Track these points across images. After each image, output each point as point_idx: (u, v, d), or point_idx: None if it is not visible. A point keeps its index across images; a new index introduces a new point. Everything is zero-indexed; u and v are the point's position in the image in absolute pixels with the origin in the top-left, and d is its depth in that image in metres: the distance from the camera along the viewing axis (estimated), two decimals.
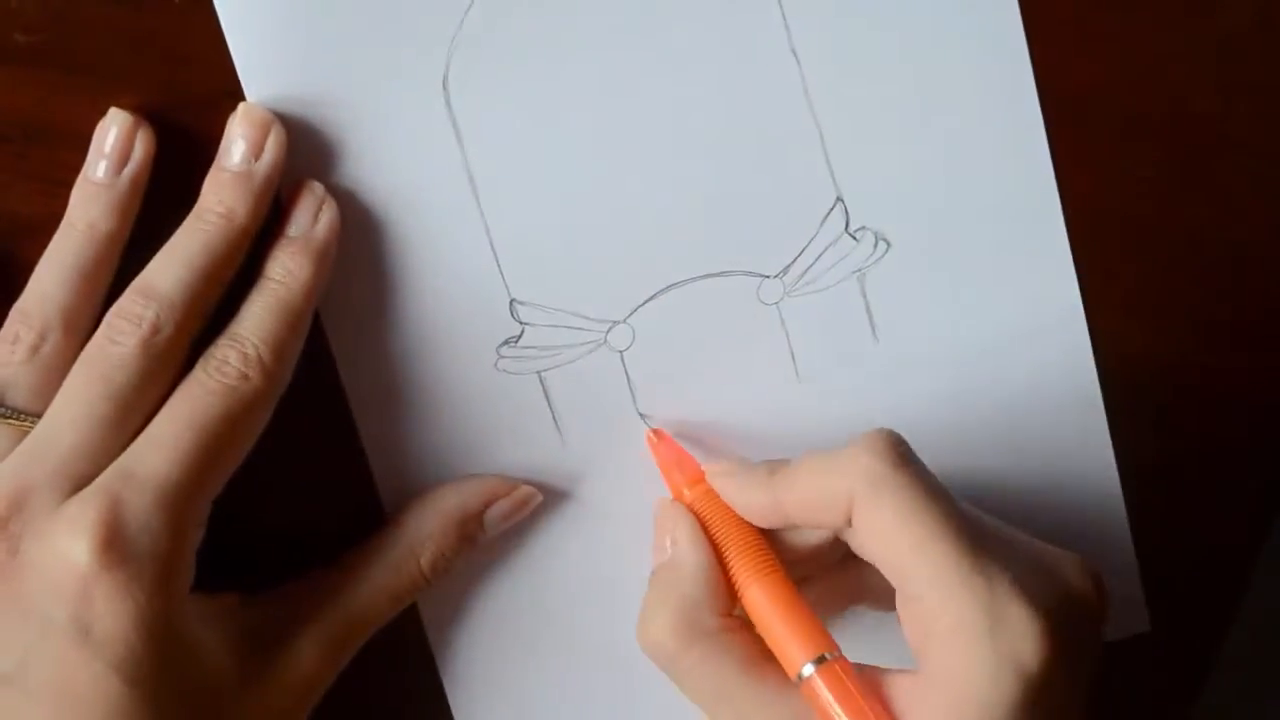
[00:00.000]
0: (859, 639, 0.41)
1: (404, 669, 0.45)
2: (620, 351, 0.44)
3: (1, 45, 0.40)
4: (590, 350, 0.44)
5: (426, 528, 0.43)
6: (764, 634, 0.40)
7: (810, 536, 0.41)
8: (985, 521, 0.39)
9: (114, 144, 0.40)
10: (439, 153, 0.42)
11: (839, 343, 0.45)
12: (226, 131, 0.40)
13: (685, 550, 0.41)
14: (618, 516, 0.45)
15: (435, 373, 0.44)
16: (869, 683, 0.38)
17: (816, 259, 0.44)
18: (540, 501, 0.44)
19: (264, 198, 0.40)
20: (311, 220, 0.41)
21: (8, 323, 0.39)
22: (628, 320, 0.44)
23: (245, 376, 0.39)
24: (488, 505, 0.44)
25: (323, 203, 0.41)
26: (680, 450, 0.44)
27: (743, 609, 0.40)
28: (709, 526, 0.42)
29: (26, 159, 0.41)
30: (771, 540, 0.41)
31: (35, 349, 0.39)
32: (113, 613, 0.36)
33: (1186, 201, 0.45)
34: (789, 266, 0.44)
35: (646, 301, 0.44)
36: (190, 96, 0.41)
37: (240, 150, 0.40)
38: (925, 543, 0.37)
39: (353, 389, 0.43)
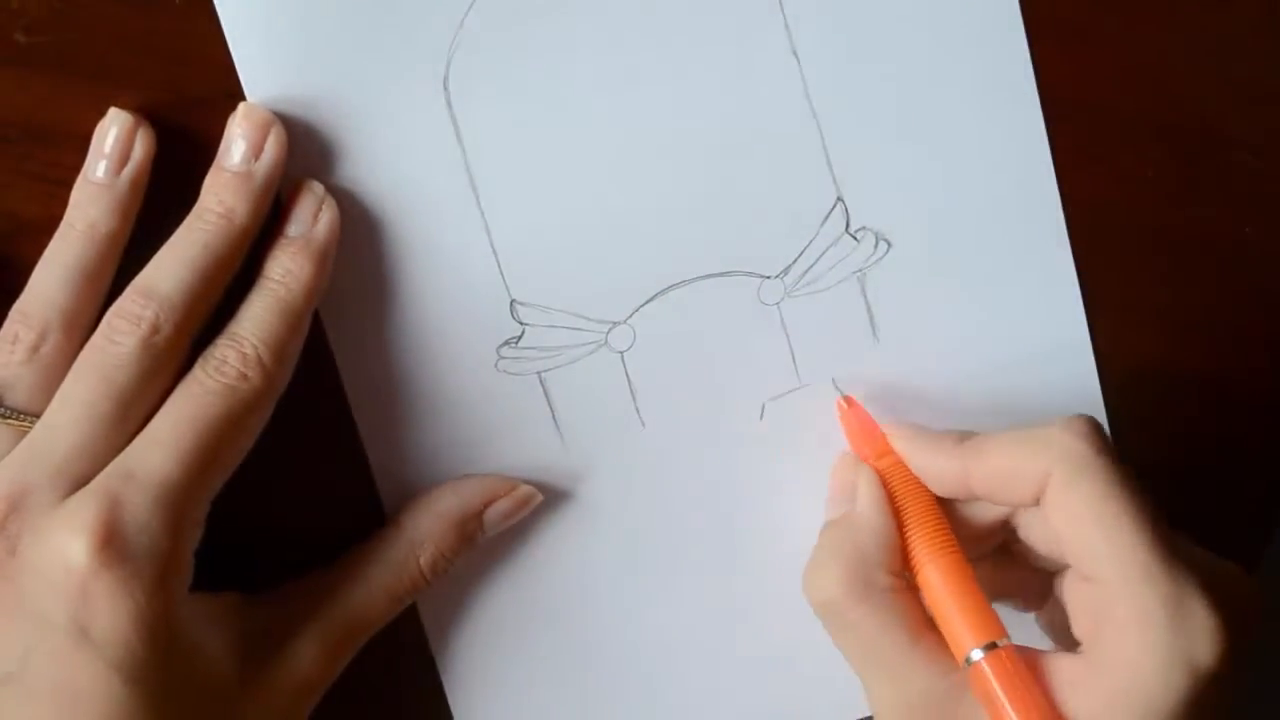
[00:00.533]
0: None
1: (404, 669, 0.45)
2: (621, 352, 0.44)
3: (3, 46, 0.40)
4: (591, 351, 0.44)
5: (426, 528, 0.43)
6: (936, 610, 0.40)
7: (985, 514, 0.41)
8: (1164, 518, 0.39)
9: (114, 144, 0.40)
10: (439, 153, 0.42)
11: (839, 343, 0.45)
12: (226, 131, 0.40)
13: (867, 506, 0.41)
14: (618, 516, 0.45)
15: (435, 373, 0.44)
16: (1032, 667, 0.38)
17: (817, 259, 0.44)
18: (540, 501, 0.44)
19: (264, 198, 0.40)
20: (311, 220, 0.41)
21: (7, 323, 0.39)
22: (628, 321, 0.44)
23: (244, 376, 0.39)
24: (487, 505, 0.44)
25: (323, 203, 0.41)
26: (869, 418, 0.44)
27: (915, 578, 0.41)
28: (890, 493, 0.42)
29: (27, 159, 0.41)
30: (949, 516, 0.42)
31: (35, 349, 0.39)
32: (111, 612, 0.36)
33: (1187, 201, 0.45)
34: (789, 267, 0.44)
35: (647, 302, 0.44)
36: (190, 96, 0.41)
37: (240, 150, 0.40)
38: (1118, 528, 0.37)
39: (353, 389, 0.43)
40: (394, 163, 0.42)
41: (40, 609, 0.36)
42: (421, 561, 0.43)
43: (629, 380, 0.45)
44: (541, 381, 0.44)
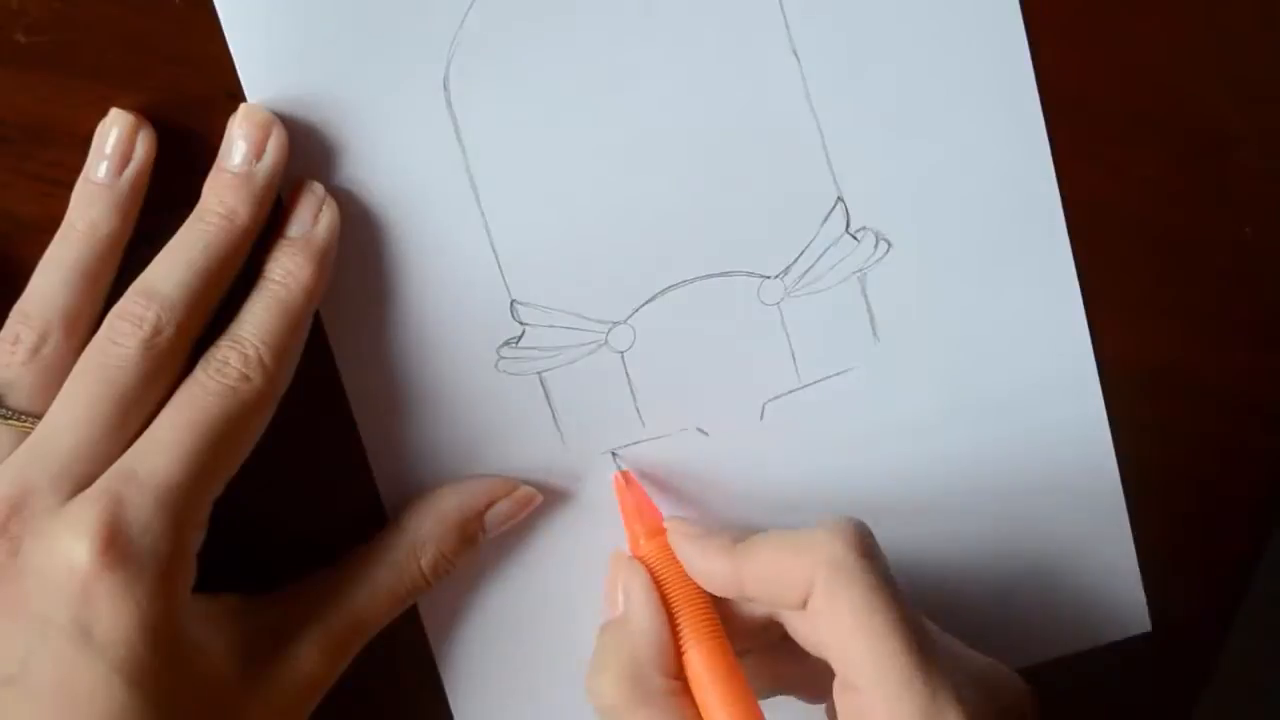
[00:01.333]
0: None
1: (404, 669, 0.45)
2: (621, 352, 0.44)
3: (3, 46, 0.40)
4: (591, 351, 0.44)
5: (427, 529, 0.43)
6: (699, 699, 0.40)
7: (758, 610, 0.42)
8: (933, 630, 0.40)
9: (115, 145, 0.40)
10: (439, 153, 0.42)
11: (839, 343, 0.45)
12: (227, 132, 0.40)
13: (637, 609, 0.41)
14: (618, 517, 0.45)
15: (435, 373, 0.44)
16: None
17: (817, 259, 0.44)
18: (540, 502, 0.44)
19: (265, 199, 0.40)
20: (312, 221, 0.41)
21: (8, 323, 0.39)
22: (628, 321, 0.44)
23: (246, 378, 0.39)
24: (488, 506, 0.44)
25: (323, 203, 0.41)
26: (644, 498, 0.44)
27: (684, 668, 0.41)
28: (660, 580, 0.42)
29: (28, 159, 0.41)
30: (719, 605, 0.42)
31: (36, 350, 0.39)
32: (113, 614, 0.36)
33: (1187, 201, 0.45)
34: (790, 267, 0.44)
35: (647, 302, 0.44)
36: (190, 96, 0.41)
37: (241, 151, 0.40)
38: (877, 638, 0.37)
39: (353, 389, 0.43)
40: (394, 163, 0.42)
41: (42, 611, 0.36)
42: (423, 563, 0.43)
43: (629, 380, 0.45)
44: (541, 381, 0.44)
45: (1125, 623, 0.48)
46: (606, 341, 0.44)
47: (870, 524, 0.41)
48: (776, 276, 0.44)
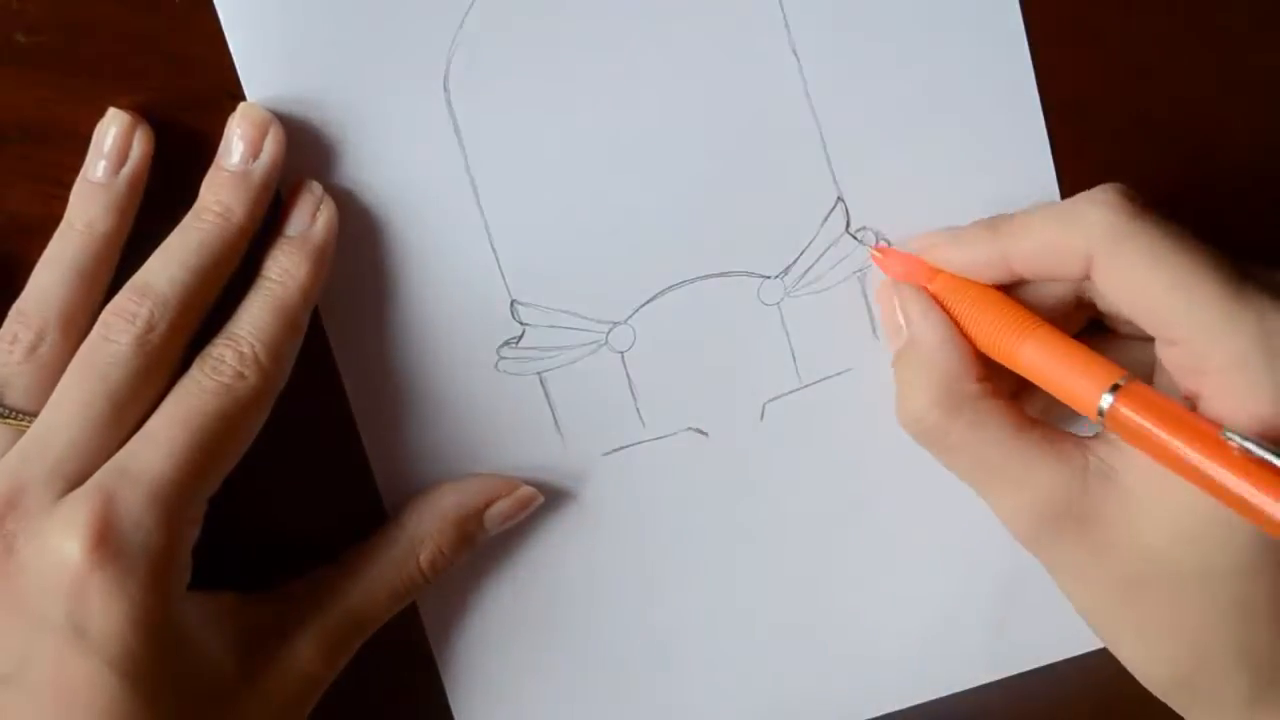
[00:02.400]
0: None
1: (404, 669, 0.45)
2: (621, 352, 0.44)
3: (3, 46, 0.40)
4: (591, 351, 0.44)
5: (426, 526, 0.43)
6: (1049, 384, 0.39)
7: (1050, 291, 0.41)
8: (1222, 255, 0.39)
9: (112, 144, 0.40)
10: (439, 153, 0.42)
11: (840, 343, 0.45)
12: (225, 131, 0.40)
13: (921, 326, 0.41)
14: (618, 516, 0.45)
15: (435, 373, 0.44)
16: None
17: (817, 259, 0.44)
18: (541, 502, 0.44)
19: (262, 198, 0.40)
20: (309, 220, 0.41)
21: (6, 322, 0.39)
22: (629, 321, 0.44)
23: (241, 376, 0.39)
24: (488, 504, 0.44)
25: (321, 202, 0.41)
26: (904, 254, 0.43)
27: (1014, 371, 0.40)
28: (956, 303, 0.41)
29: (27, 159, 0.41)
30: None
31: (33, 348, 0.39)
32: (107, 611, 0.36)
33: (1186, 201, 0.45)
34: (790, 267, 0.44)
35: (647, 302, 0.44)
36: (190, 96, 0.41)
37: (239, 150, 0.40)
38: (1181, 284, 0.37)
39: (353, 389, 0.43)
40: (394, 163, 0.42)
41: (37, 608, 0.36)
42: (421, 560, 0.43)
43: (629, 380, 0.45)
44: (542, 381, 0.44)
45: None
46: (606, 342, 0.44)
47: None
48: (776, 276, 0.44)
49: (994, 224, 0.41)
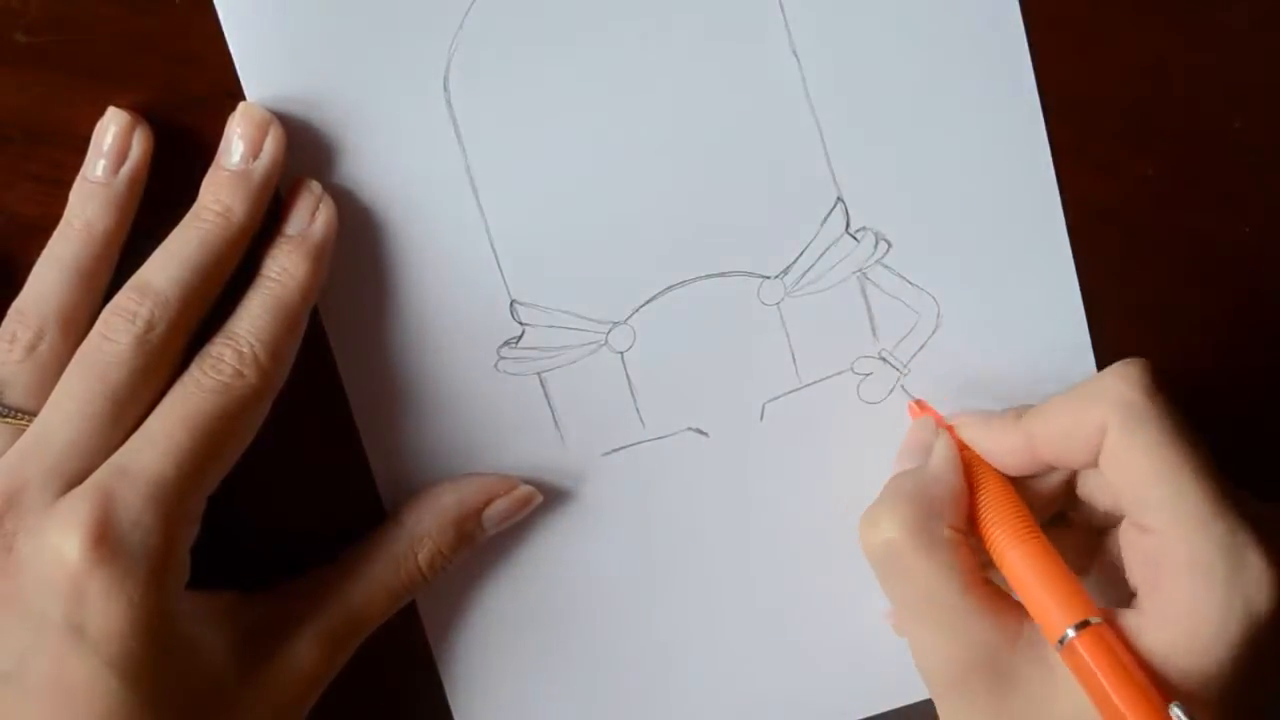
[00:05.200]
0: None
1: (404, 669, 0.45)
2: (621, 352, 0.44)
3: (3, 46, 0.40)
4: (591, 351, 0.44)
5: (425, 525, 0.43)
6: (1024, 597, 0.40)
7: (1045, 485, 0.42)
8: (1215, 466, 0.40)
9: (112, 143, 0.40)
10: (439, 153, 0.42)
11: (839, 343, 0.45)
12: (226, 131, 0.40)
13: (942, 464, 0.42)
14: (618, 516, 0.45)
15: (435, 373, 0.44)
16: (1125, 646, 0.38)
17: (817, 259, 0.44)
18: (540, 501, 0.44)
19: (262, 197, 0.40)
20: (309, 219, 0.41)
21: (5, 321, 0.39)
22: (628, 321, 0.44)
23: (240, 374, 0.39)
24: (487, 503, 0.44)
25: (320, 201, 0.41)
26: (938, 417, 0.44)
27: (989, 559, 0.41)
28: (967, 471, 0.42)
29: (28, 159, 0.41)
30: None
31: (32, 348, 0.39)
32: (105, 610, 0.36)
33: (1187, 201, 0.45)
34: (790, 267, 0.44)
35: (647, 302, 0.44)
36: (190, 96, 0.41)
37: (239, 150, 0.40)
38: (1175, 476, 0.38)
39: (353, 389, 0.43)
40: (394, 163, 0.42)
41: (36, 607, 0.36)
42: (420, 558, 0.43)
43: (629, 380, 0.45)
44: (541, 381, 0.44)
45: None
46: (606, 341, 0.44)
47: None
48: (776, 277, 0.44)
49: (1020, 410, 0.42)
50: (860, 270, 0.45)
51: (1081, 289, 0.46)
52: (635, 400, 0.45)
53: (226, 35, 0.40)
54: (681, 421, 0.45)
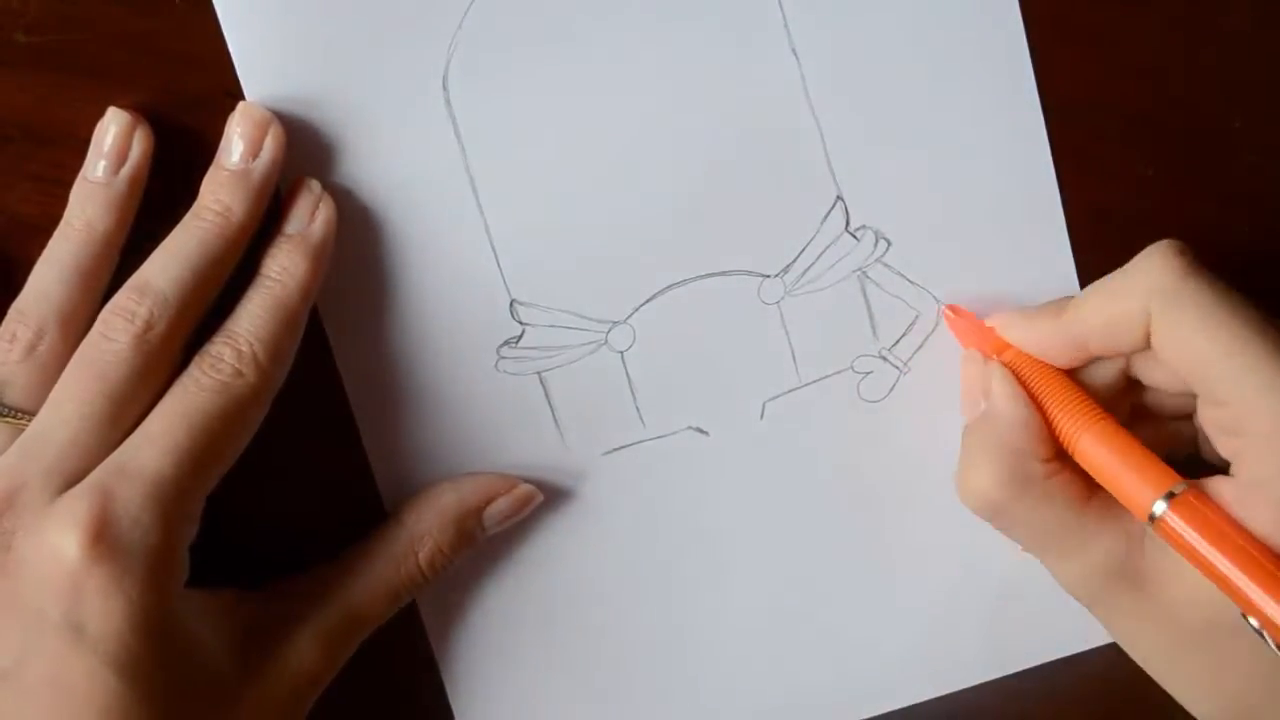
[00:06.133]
0: None
1: (404, 669, 0.45)
2: (621, 352, 0.44)
3: (3, 46, 0.40)
4: (591, 350, 0.44)
5: (425, 524, 0.43)
6: (1103, 478, 0.40)
7: (1107, 374, 0.42)
8: (1269, 317, 0.39)
9: (112, 143, 0.40)
10: (439, 152, 0.42)
11: (839, 341, 0.45)
12: (225, 131, 0.40)
13: (1004, 401, 0.41)
14: (618, 516, 0.45)
15: (435, 373, 0.44)
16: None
17: (817, 258, 0.44)
18: (540, 500, 0.44)
19: (261, 196, 0.40)
20: (309, 218, 0.41)
21: (5, 321, 0.39)
22: (628, 320, 0.44)
23: (240, 374, 0.39)
24: (487, 502, 0.44)
25: (320, 201, 0.41)
26: (976, 320, 0.44)
27: (1070, 456, 0.41)
28: (1022, 381, 0.42)
29: (27, 159, 0.41)
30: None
31: (32, 347, 0.39)
32: (104, 608, 0.36)
33: (1186, 201, 0.45)
34: (789, 266, 0.44)
35: (647, 301, 0.44)
36: (190, 96, 0.41)
37: (239, 149, 0.40)
38: (1233, 346, 0.37)
39: (353, 389, 0.43)
40: (394, 162, 0.42)
41: (35, 605, 0.36)
42: (420, 557, 0.43)
43: (629, 380, 0.45)
44: (542, 381, 0.44)
45: None
46: (606, 341, 0.44)
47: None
48: (776, 275, 0.44)
49: (1060, 304, 0.42)
50: (860, 269, 0.45)
51: (1081, 288, 0.45)
52: (635, 399, 0.45)
53: (226, 35, 0.40)
54: (682, 420, 0.45)
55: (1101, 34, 0.44)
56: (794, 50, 0.43)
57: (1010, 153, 0.44)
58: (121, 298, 0.39)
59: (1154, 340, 0.39)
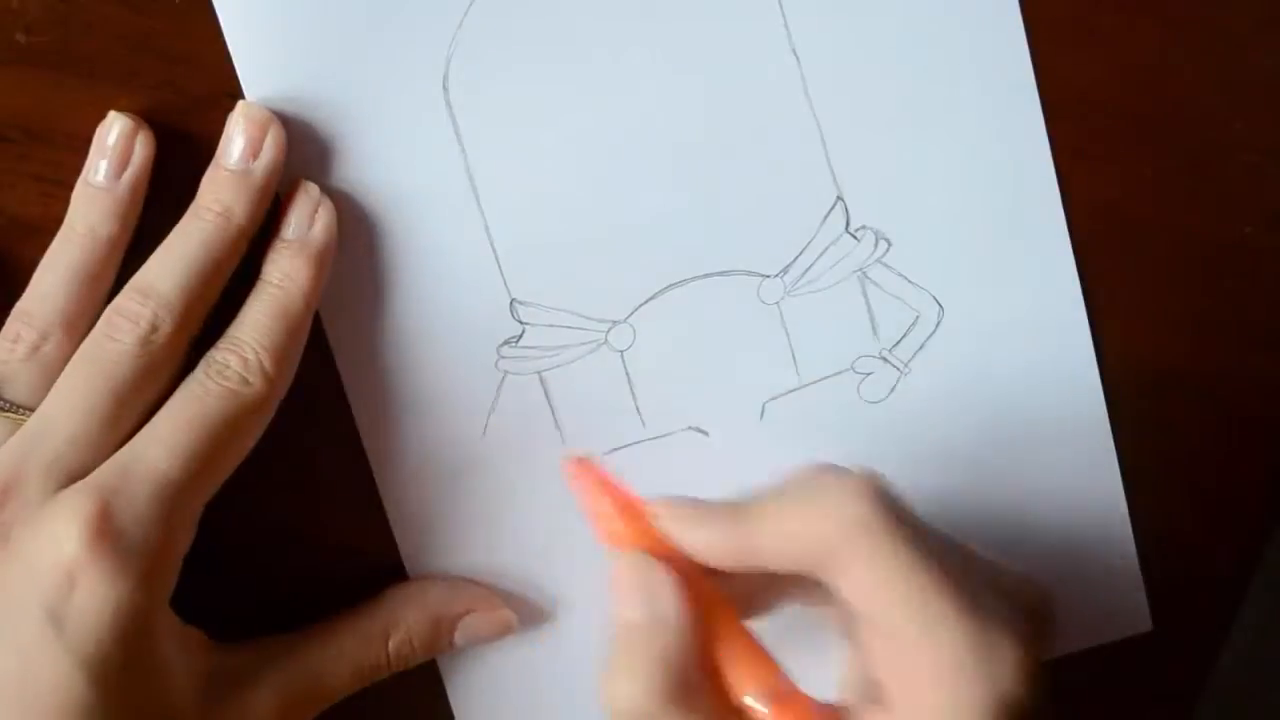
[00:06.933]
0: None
1: (404, 669, 0.45)
2: (621, 351, 0.44)
3: (3, 46, 0.40)
4: (591, 350, 0.44)
5: (403, 612, 0.43)
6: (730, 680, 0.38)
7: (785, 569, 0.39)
8: (959, 550, 0.38)
9: (114, 147, 0.40)
10: (439, 153, 0.42)
11: (840, 341, 0.45)
12: (225, 130, 0.40)
13: (669, 608, 0.37)
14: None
15: (435, 372, 0.44)
16: (828, 710, 0.37)
17: (817, 258, 0.44)
18: (514, 630, 0.44)
19: (262, 197, 0.40)
20: (309, 223, 0.41)
21: (9, 322, 0.39)
22: (628, 320, 0.44)
23: (246, 381, 0.39)
24: (467, 612, 0.44)
25: (319, 205, 0.41)
26: (611, 483, 0.39)
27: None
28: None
29: (27, 159, 0.41)
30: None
31: (36, 348, 0.39)
32: (90, 606, 0.36)
33: (1187, 201, 0.45)
34: (789, 266, 0.44)
35: (647, 301, 0.44)
36: (190, 96, 0.41)
37: (239, 149, 0.40)
38: (917, 593, 0.36)
39: (353, 389, 0.43)
40: (394, 163, 0.42)
41: (20, 598, 0.36)
42: (390, 645, 0.43)
43: (629, 379, 0.45)
44: (541, 381, 0.44)
45: (1125, 622, 0.48)
46: (606, 341, 0.44)
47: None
48: (776, 275, 0.44)
49: (735, 512, 0.38)
50: (860, 269, 0.45)
51: (1082, 288, 0.46)
52: (635, 399, 0.45)
53: (226, 35, 0.40)
54: (682, 420, 0.45)
55: (1101, 34, 0.44)
56: (794, 50, 0.43)
57: (1011, 153, 0.44)
58: (124, 299, 0.39)
59: (835, 572, 0.37)
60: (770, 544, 0.37)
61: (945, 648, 0.35)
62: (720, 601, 0.38)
